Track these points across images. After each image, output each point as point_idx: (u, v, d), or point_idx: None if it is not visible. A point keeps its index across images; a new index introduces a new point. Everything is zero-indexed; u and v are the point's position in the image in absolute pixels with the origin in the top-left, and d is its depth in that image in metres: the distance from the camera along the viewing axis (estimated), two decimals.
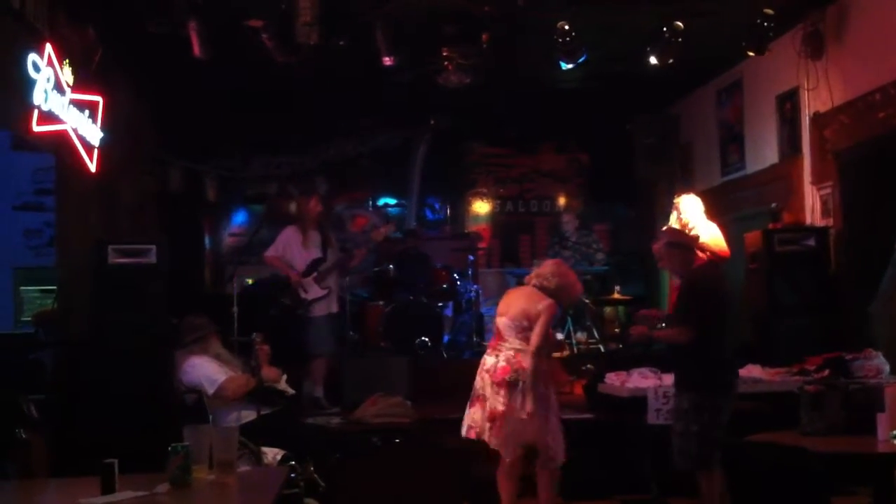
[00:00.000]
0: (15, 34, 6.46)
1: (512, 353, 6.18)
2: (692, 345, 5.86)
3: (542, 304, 6.15)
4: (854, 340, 7.58)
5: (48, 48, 6.68)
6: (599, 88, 10.76)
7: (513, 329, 6.21)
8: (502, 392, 6.09)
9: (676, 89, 11.58)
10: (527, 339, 6.11)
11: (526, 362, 6.09)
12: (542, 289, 6.29)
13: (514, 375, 6.09)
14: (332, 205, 12.72)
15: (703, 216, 8.50)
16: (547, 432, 6.18)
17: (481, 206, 13.27)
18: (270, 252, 9.20)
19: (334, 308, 9.17)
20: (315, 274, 8.98)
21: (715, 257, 7.68)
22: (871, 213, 8.03)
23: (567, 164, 13.36)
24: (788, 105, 9.29)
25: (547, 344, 6.20)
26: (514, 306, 6.28)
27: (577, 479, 6.85)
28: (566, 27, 8.22)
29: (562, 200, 13.22)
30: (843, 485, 6.44)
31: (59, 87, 6.80)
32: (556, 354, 9.64)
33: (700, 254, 6.42)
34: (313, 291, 8.96)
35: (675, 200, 8.90)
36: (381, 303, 10.93)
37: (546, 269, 6.43)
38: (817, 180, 8.76)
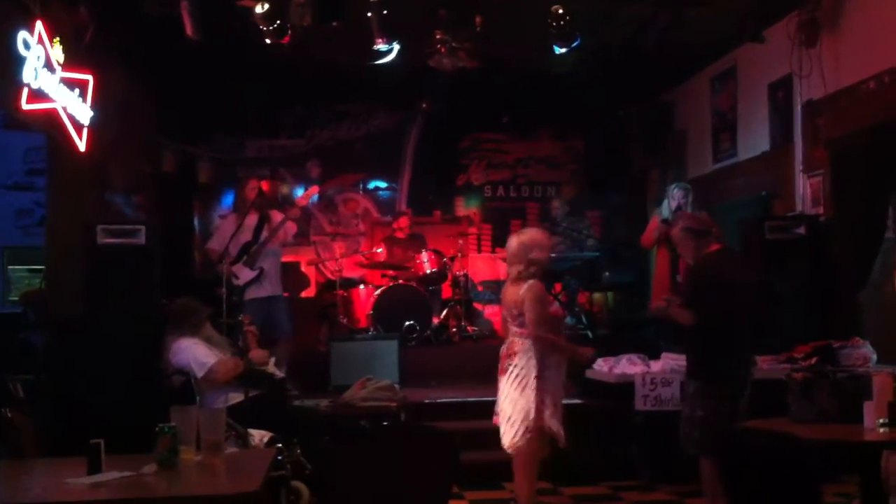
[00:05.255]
0: (5, 11, 6.42)
1: (510, 339, 6.20)
2: (698, 331, 5.86)
3: (523, 287, 6.12)
4: (844, 328, 7.59)
5: (39, 26, 6.64)
6: (594, 75, 10.74)
7: (508, 318, 6.23)
8: (501, 378, 6.15)
9: (671, 76, 11.57)
10: (523, 325, 6.11)
11: (517, 346, 6.09)
12: (519, 274, 6.22)
13: (508, 360, 6.12)
14: (325, 188, 12.71)
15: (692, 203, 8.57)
16: (544, 415, 6.16)
17: (472, 191, 13.25)
18: (209, 244, 9.24)
19: (267, 291, 8.91)
20: (245, 257, 8.85)
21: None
22: (863, 202, 8.02)
23: (562, 150, 13.33)
24: (781, 93, 9.29)
25: (546, 322, 6.13)
26: (506, 296, 6.28)
27: (566, 465, 6.86)
28: (560, 11, 8.19)
29: (553, 186, 13.20)
30: (831, 472, 6.48)
31: (49, 65, 6.75)
32: None
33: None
34: (244, 275, 8.82)
35: (669, 187, 8.95)
36: (370, 286, 10.94)
37: (509, 254, 6.34)
38: (809, 168, 8.76)
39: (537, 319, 6.01)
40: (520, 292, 6.08)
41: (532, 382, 5.97)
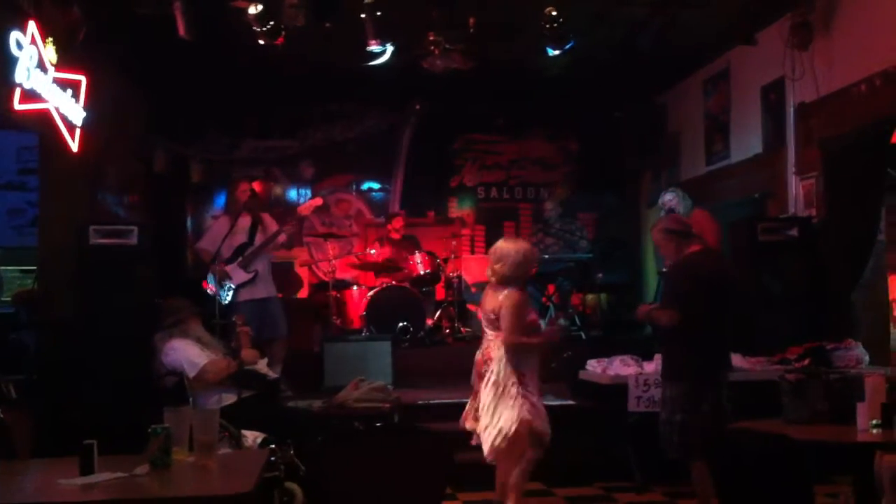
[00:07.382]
0: None
1: (486, 344, 6.17)
2: (677, 332, 5.83)
3: (502, 294, 6.08)
4: (837, 330, 7.61)
5: (31, 26, 6.62)
6: (587, 76, 10.75)
7: (486, 322, 6.20)
8: (478, 385, 6.12)
9: (664, 78, 11.59)
10: (498, 329, 6.08)
11: (493, 352, 6.06)
12: (501, 281, 6.19)
13: (485, 367, 6.10)
14: (318, 189, 12.71)
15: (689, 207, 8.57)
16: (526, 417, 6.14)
17: (465, 192, 13.25)
18: (200, 244, 9.20)
19: (261, 293, 8.85)
20: (240, 259, 8.79)
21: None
22: (855, 204, 8.04)
23: (555, 151, 13.33)
24: (774, 95, 9.30)
25: (521, 331, 6.09)
26: (485, 301, 6.25)
27: (559, 466, 6.86)
28: (553, 13, 8.20)
29: (546, 187, 13.21)
30: (823, 473, 6.49)
31: (41, 65, 6.74)
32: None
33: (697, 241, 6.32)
34: (238, 277, 8.75)
35: (660, 195, 8.96)
36: (363, 287, 10.93)
37: (492, 260, 6.32)
38: (801, 170, 8.77)
39: (512, 328, 5.96)
40: (499, 298, 6.06)
41: (511, 389, 5.94)
